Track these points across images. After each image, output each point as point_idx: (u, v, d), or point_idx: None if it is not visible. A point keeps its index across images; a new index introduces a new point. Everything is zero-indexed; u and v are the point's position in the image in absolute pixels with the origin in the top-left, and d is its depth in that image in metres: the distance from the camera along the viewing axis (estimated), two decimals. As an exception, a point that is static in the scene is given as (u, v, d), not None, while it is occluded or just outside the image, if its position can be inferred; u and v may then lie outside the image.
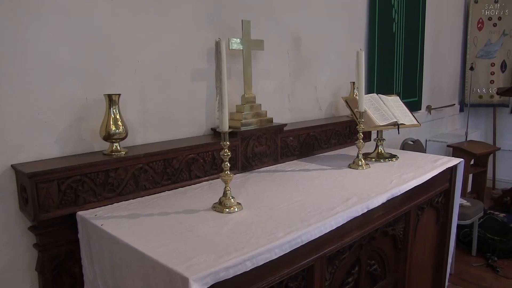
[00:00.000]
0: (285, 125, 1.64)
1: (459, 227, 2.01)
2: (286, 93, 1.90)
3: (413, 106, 2.46)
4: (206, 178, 1.38)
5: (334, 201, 1.16)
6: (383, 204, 1.20)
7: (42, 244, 1.03)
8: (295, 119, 1.93)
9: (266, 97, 1.77)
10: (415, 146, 2.46)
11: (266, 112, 1.65)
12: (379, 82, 2.28)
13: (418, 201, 1.39)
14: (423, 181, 1.35)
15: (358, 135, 1.55)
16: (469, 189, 2.52)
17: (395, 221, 1.29)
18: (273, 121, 1.63)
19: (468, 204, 2.05)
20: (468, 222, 2.01)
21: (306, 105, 1.99)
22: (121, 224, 0.99)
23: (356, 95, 1.92)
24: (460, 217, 1.86)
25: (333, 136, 1.94)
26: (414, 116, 1.69)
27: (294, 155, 1.71)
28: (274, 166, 1.60)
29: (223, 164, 1.11)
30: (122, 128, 1.17)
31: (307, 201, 1.17)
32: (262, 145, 1.58)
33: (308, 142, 1.81)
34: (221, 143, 1.09)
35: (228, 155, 1.09)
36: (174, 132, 1.44)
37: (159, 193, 1.25)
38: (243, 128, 1.50)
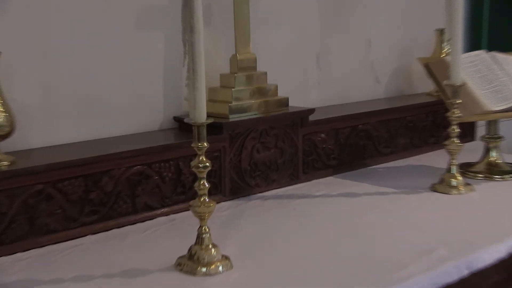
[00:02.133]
0: (311, 111, 1.66)
1: None
2: (313, 53, 1.88)
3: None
4: (165, 210, 1.41)
5: (405, 253, 1.18)
6: (500, 261, 1.21)
7: None
8: (330, 100, 1.92)
9: (276, 61, 1.76)
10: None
11: (276, 87, 1.67)
12: (492, 31, 2.25)
13: None
14: None
15: (450, 130, 1.56)
16: None
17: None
18: (289, 104, 1.65)
19: None
20: None
21: (350, 74, 1.98)
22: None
23: (447, 55, 1.90)
24: None
25: (402, 132, 1.93)
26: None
27: (329, 167, 1.75)
28: (291, 187, 1.63)
29: (196, 184, 1.12)
30: (4, 117, 1.18)
31: (352, 253, 1.19)
32: (268, 148, 1.60)
33: (354, 143, 1.80)
34: (192, 144, 1.10)
35: (207, 166, 1.11)
36: (104, 126, 1.46)
37: (76, 239, 1.26)
38: (233, 117, 1.52)
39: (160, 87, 1.56)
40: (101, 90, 1.46)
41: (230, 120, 1.53)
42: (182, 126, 1.54)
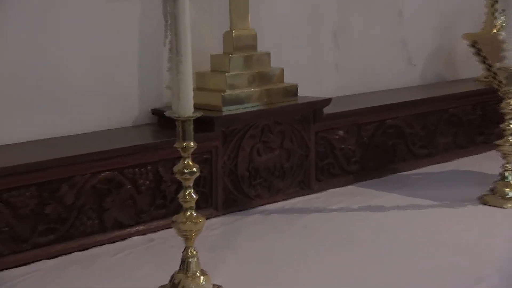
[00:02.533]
0: (327, 101, 1.69)
1: None
2: (329, 29, 1.89)
3: None
4: (141, 227, 1.42)
5: (447, 282, 1.18)
6: None
7: None
8: (351, 87, 1.94)
9: (282, 38, 1.77)
10: None
11: (282, 72, 1.67)
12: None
13: None
14: None
15: (503, 125, 1.57)
16: None
17: None
18: (299, 94, 1.69)
19: None
20: None
21: (376, 55, 2.00)
22: None
23: (499, 30, 1.92)
24: None
25: (443, 129, 1.94)
26: None
27: (349, 174, 1.76)
28: (300, 199, 1.64)
29: (181, 195, 1.12)
30: None
31: (379, 282, 1.19)
32: (272, 148, 1.61)
33: (381, 143, 1.81)
34: (176, 144, 1.10)
35: (194, 172, 1.11)
36: (64, 120, 1.47)
37: (28, 265, 1.25)
38: (228, 110, 1.54)
39: (135, 72, 1.56)
40: (59, 76, 1.46)
41: (224, 113, 1.53)
42: (163, 121, 1.54)
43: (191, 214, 1.11)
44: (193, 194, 1.11)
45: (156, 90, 1.60)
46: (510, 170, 1.59)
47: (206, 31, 1.62)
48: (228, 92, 1.55)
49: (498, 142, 1.60)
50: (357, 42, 1.96)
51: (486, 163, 1.86)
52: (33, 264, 1.27)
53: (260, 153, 1.58)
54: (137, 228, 1.41)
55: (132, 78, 1.57)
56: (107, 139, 1.46)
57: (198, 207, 1.15)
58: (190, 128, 1.09)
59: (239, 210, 1.56)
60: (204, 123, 1.41)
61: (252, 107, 1.58)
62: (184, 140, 1.09)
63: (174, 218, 1.13)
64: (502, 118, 1.58)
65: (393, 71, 2.03)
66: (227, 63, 1.58)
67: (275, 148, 1.61)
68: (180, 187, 1.12)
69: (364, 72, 1.97)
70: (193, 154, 1.10)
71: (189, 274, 1.11)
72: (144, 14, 1.55)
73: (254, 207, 1.58)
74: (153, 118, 1.59)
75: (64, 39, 1.46)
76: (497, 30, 1.97)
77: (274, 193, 1.62)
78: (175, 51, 1.07)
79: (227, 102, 1.54)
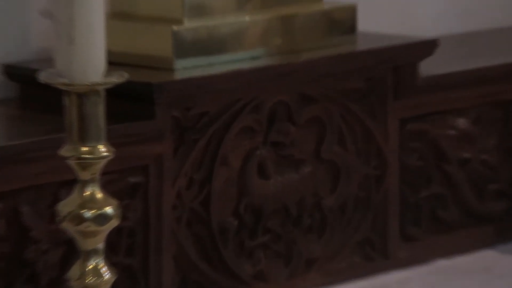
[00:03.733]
0: (428, 47, 1.70)
1: None
2: None
3: None
4: None
5: None
6: None
7: None
8: (480, 18, 1.98)
9: None
10: None
11: None
12: None
13: None
14: None
15: None
16: None
17: None
18: (359, 28, 1.72)
19: None
20: None
21: None
22: None
23: None
24: None
25: None
26: None
27: (483, 221, 1.80)
28: (367, 282, 1.68)
29: (74, 274, 1.23)
30: None
31: None
32: (295, 160, 1.64)
33: None
34: (63, 151, 1.24)
35: (108, 219, 1.23)
36: None
37: None
38: (188, 68, 1.59)
39: None
40: None
41: (178, 74, 1.50)
42: (31, 93, 1.54)
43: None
44: (104, 270, 1.19)
45: (16, 24, 1.60)
46: None
47: None
48: (188, 25, 1.53)
49: None
50: None
51: None
52: None
53: (267, 172, 1.55)
54: None
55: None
56: None
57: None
58: (99, 110, 1.17)
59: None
60: (133, 100, 1.42)
61: (246, 59, 1.54)
62: (83, 139, 1.17)
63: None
64: None
65: None
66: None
67: (303, 160, 1.57)
68: (71, 253, 1.14)
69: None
70: (106, 173, 1.10)
71: None
72: None
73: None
74: (8, 87, 1.58)
75: None
76: None
77: (302, 269, 1.60)
78: None
79: (186, 47, 1.53)
